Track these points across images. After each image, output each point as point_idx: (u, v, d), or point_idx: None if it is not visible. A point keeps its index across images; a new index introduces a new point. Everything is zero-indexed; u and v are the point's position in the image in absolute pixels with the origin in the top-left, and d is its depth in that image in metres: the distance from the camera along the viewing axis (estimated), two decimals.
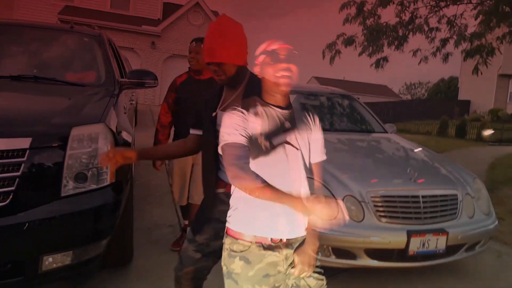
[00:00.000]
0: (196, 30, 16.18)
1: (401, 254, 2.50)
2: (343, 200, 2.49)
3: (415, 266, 2.61)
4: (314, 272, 1.35)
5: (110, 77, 3.13)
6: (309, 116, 1.39)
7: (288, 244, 1.30)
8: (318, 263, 1.39)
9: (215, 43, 1.53)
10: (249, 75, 1.65)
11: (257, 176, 1.16)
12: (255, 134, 1.25)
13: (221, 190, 1.59)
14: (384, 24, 7.58)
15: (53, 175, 1.91)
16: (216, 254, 1.58)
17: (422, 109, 23.83)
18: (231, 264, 1.28)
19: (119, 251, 2.48)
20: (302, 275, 1.32)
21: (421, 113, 22.24)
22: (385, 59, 8.00)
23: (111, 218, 2.10)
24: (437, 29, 7.86)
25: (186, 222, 3.22)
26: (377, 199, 2.54)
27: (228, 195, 1.40)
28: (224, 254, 1.33)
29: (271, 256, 1.27)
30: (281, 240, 1.28)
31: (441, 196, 2.70)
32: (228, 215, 1.34)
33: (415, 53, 7.82)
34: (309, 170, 1.36)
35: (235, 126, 1.24)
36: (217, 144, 1.31)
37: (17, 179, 1.81)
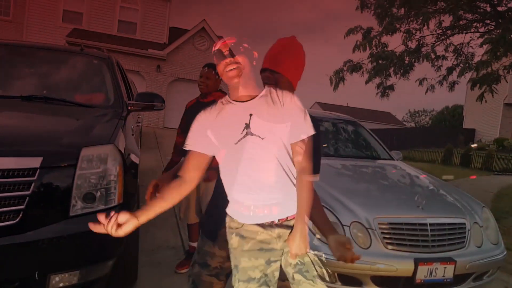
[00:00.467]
0: (202, 54, 16.48)
1: (408, 282, 2.46)
2: (349, 226, 2.51)
3: None
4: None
5: (118, 99, 3.18)
6: (278, 97, 1.32)
7: (280, 224, 1.35)
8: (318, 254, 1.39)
9: (280, 54, 1.57)
10: None
11: None
12: (218, 135, 1.33)
13: None
14: (390, 51, 7.65)
15: (62, 195, 1.92)
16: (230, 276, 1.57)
17: (426, 137, 23.83)
18: (230, 240, 1.40)
19: (124, 272, 2.45)
20: (298, 257, 1.34)
21: (425, 141, 22.21)
22: (391, 87, 8.02)
23: (118, 239, 2.08)
24: (444, 57, 7.88)
25: (194, 244, 3.16)
26: (384, 226, 2.52)
27: None
28: (226, 231, 1.43)
29: (263, 234, 1.34)
30: (272, 221, 1.34)
31: (449, 224, 2.67)
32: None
33: (421, 82, 7.83)
34: (289, 155, 1.32)
35: (194, 133, 1.38)
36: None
37: (27, 198, 1.82)
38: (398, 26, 7.50)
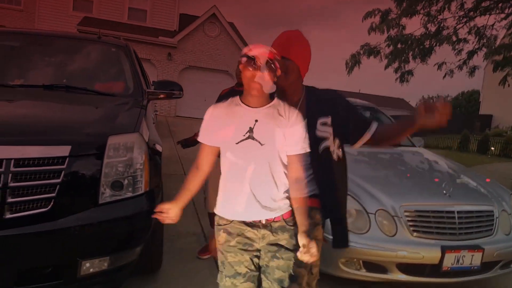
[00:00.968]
0: (212, 41, 16.34)
1: (434, 269, 2.44)
2: (375, 214, 2.49)
3: (448, 282, 2.55)
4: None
5: (138, 88, 3.17)
6: (284, 112, 1.45)
7: (266, 225, 1.45)
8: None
9: (289, 42, 1.59)
10: (306, 89, 1.68)
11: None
12: (223, 132, 1.41)
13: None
14: (410, 35, 7.44)
15: (90, 183, 1.94)
16: None
17: None
18: (218, 236, 1.50)
19: (149, 258, 2.50)
20: (306, 259, 1.39)
21: (440, 128, 21.78)
22: (410, 72, 7.82)
23: (146, 226, 2.11)
24: (465, 40, 7.64)
25: None
26: (410, 214, 2.49)
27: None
28: (215, 228, 1.54)
29: (249, 232, 1.45)
30: (260, 220, 1.44)
31: (477, 212, 2.64)
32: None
33: (440, 66, 7.64)
34: (282, 164, 1.45)
35: (206, 127, 1.46)
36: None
37: (58, 186, 1.83)
38: (418, 8, 7.24)
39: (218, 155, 1.55)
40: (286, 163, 1.45)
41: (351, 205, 2.50)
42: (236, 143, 1.41)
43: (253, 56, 1.35)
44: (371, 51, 7.60)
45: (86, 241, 1.89)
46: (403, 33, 7.42)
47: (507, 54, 6.34)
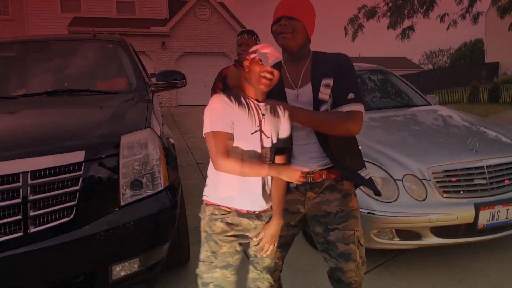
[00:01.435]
0: (205, 24, 16.04)
1: (469, 229, 2.38)
2: (402, 180, 2.41)
3: (484, 240, 2.48)
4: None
5: (140, 82, 3.09)
6: (279, 107, 1.51)
7: (259, 216, 1.49)
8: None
9: (295, 1, 1.55)
10: (313, 53, 1.62)
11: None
12: (237, 122, 1.41)
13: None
14: None
15: (110, 185, 1.89)
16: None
17: (447, 77, 22.98)
18: (213, 226, 1.47)
19: (178, 251, 2.48)
20: (263, 251, 1.51)
21: (447, 82, 21.43)
22: (412, 28, 7.54)
23: (171, 221, 2.07)
24: None
25: None
26: (439, 175, 2.41)
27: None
28: (204, 221, 1.50)
29: (246, 222, 1.48)
30: (254, 211, 1.47)
31: (506, 164, 2.55)
32: (207, 190, 1.52)
33: (442, 18, 7.35)
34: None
35: (222, 114, 1.41)
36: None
37: (78, 193, 1.79)
38: None
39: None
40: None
41: (376, 174, 2.43)
42: (252, 134, 1.44)
43: (265, 52, 1.40)
44: (373, 12, 7.31)
45: (113, 245, 1.85)
46: None
47: None
